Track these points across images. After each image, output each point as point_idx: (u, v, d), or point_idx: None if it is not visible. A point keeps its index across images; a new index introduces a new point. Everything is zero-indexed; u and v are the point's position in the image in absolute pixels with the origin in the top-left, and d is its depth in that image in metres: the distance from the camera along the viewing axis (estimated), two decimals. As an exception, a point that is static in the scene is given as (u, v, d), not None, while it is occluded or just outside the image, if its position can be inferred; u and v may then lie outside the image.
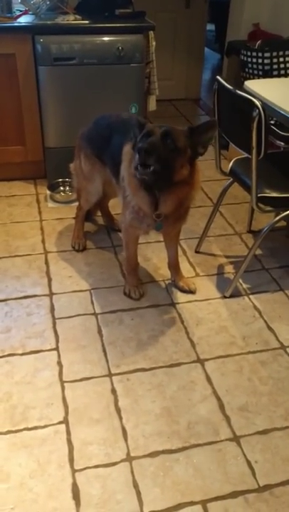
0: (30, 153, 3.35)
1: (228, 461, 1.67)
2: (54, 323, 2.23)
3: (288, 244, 2.88)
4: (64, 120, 3.21)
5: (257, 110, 1.94)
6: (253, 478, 1.62)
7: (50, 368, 2.00)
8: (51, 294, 2.41)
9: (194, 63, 5.15)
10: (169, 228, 2.19)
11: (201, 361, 2.06)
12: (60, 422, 1.78)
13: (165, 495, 1.56)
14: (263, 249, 2.80)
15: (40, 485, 1.58)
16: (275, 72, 3.40)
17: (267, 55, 3.34)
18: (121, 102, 3.14)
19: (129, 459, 1.67)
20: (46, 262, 2.64)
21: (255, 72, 3.43)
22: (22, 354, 2.07)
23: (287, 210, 2.25)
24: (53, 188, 3.30)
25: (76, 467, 1.64)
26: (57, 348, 2.10)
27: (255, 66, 3.42)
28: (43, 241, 2.82)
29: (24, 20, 3.09)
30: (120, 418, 1.80)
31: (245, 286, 2.51)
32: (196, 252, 2.76)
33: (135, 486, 1.59)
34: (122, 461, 1.66)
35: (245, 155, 2.18)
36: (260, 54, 3.36)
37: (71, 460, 1.66)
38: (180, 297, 2.42)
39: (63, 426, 1.77)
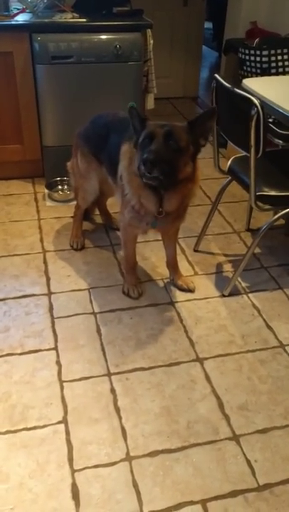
0: (28, 151, 3.34)
1: (228, 460, 1.67)
2: (53, 323, 2.22)
3: (287, 242, 2.88)
4: (62, 119, 3.20)
5: (255, 108, 1.93)
6: (253, 477, 1.62)
7: (49, 367, 2.00)
8: (50, 293, 2.40)
9: (192, 61, 5.14)
10: (168, 226, 2.19)
11: (200, 360, 2.06)
12: (59, 422, 1.78)
13: (165, 494, 1.56)
14: (262, 247, 2.80)
15: (39, 485, 1.58)
16: (273, 70, 3.40)
17: (265, 53, 3.34)
18: (119, 100, 3.13)
19: (128, 458, 1.67)
20: (45, 261, 2.63)
21: (253, 70, 3.43)
22: (21, 354, 2.06)
23: (285, 209, 2.24)
24: (51, 186, 3.29)
25: (75, 467, 1.63)
26: (56, 348, 2.09)
27: (253, 64, 3.41)
28: (41, 240, 2.82)
29: (21, 18, 3.08)
30: (120, 418, 1.80)
31: (244, 284, 2.51)
32: (195, 250, 2.76)
33: (135, 485, 1.59)
34: (121, 460, 1.66)
35: (244, 153, 2.17)
36: (258, 52, 3.36)
37: (70, 460, 1.65)
38: (179, 296, 2.42)
39: (62, 426, 1.77)
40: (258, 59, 3.37)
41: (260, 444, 1.72)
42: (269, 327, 2.24)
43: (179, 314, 2.30)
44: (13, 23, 3.01)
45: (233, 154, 2.53)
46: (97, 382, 1.94)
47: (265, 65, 3.38)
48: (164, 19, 4.70)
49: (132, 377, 1.96)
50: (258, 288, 2.49)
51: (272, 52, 3.35)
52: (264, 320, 2.28)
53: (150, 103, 3.47)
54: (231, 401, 1.88)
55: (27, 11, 3.17)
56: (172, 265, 2.48)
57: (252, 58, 3.40)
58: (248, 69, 3.46)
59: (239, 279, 2.51)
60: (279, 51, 3.36)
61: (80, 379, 1.95)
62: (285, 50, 3.37)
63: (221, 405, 1.86)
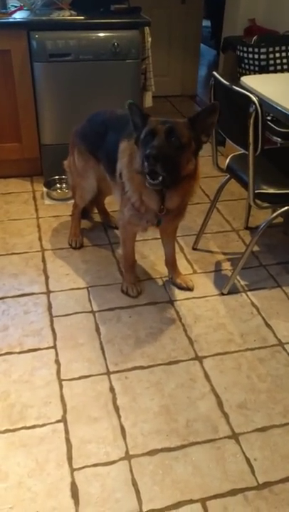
0: (26, 150, 3.33)
1: (227, 459, 1.66)
2: (51, 321, 2.22)
3: (286, 240, 2.88)
4: (60, 117, 3.19)
5: (254, 106, 1.93)
6: (252, 475, 1.62)
7: (48, 366, 2.00)
8: (48, 292, 2.40)
9: (190, 59, 5.14)
10: (168, 225, 2.19)
11: (199, 358, 2.06)
12: (58, 421, 1.77)
13: (164, 493, 1.56)
14: (261, 245, 2.80)
15: (38, 484, 1.57)
16: (272, 68, 3.40)
17: (263, 50, 3.33)
18: (117, 98, 3.12)
19: (128, 457, 1.66)
20: (43, 260, 2.63)
21: (252, 67, 3.42)
22: (19, 352, 2.06)
23: (284, 207, 2.24)
24: (49, 185, 3.29)
25: (75, 466, 1.63)
26: (54, 346, 2.09)
27: (251, 62, 3.41)
28: (39, 239, 2.81)
29: (19, 16, 3.07)
30: (119, 416, 1.80)
31: (242, 283, 2.50)
32: (194, 249, 2.76)
33: (134, 484, 1.58)
34: (120, 459, 1.65)
35: (242, 151, 2.17)
36: (256, 49, 3.36)
37: (70, 459, 1.65)
38: (178, 294, 2.42)
39: (61, 424, 1.76)
40: (256, 56, 3.37)
41: (260, 443, 1.72)
42: (268, 325, 2.24)
43: (178, 313, 2.30)
44: (10, 20, 3.00)
45: (232, 152, 2.53)
46: (96, 380, 1.94)
47: (263, 63, 3.38)
48: (161, 17, 4.70)
49: (131, 376, 1.96)
50: (256, 286, 2.48)
51: (271, 49, 3.35)
52: (263, 318, 2.28)
53: (148, 101, 3.46)
54: (230, 399, 1.88)
55: (25, 8, 3.16)
56: (171, 263, 2.47)
57: (250, 56, 3.40)
58: (247, 66, 3.45)
59: (238, 278, 2.51)
60: (277, 49, 3.36)
61: (79, 378, 1.95)
62: (283, 48, 3.37)
63: (220, 404, 1.86)
